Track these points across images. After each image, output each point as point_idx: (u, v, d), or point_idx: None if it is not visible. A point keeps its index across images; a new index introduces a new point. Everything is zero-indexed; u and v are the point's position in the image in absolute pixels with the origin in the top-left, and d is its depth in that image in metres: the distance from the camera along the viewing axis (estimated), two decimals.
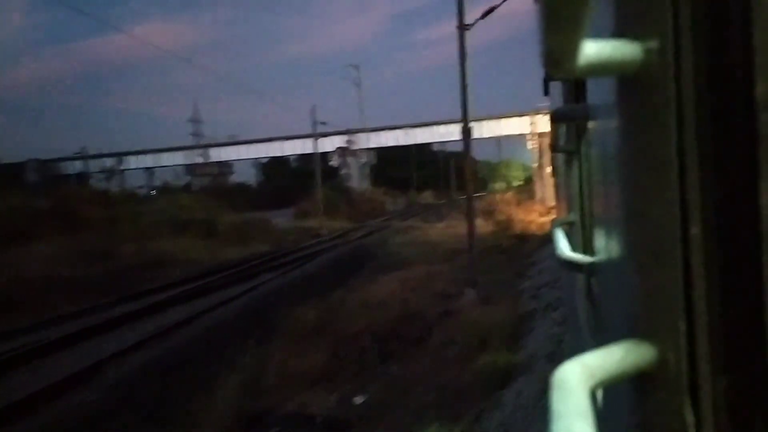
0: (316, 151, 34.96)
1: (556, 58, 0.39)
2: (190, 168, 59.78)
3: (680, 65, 0.40)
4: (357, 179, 52.81)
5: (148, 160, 57.50)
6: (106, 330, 11.20)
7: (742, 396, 0.39)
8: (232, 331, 10.78)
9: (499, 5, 11.81)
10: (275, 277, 16.96)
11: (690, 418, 0.40)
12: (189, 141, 63.40)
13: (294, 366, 8.78)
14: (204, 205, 32.14)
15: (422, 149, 65.02)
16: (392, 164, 63.30)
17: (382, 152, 57.39)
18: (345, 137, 51.56)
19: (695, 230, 0.40)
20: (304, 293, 13.69)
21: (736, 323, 0.39)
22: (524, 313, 9.48)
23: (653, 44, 0.41)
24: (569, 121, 1.72)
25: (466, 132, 12.75)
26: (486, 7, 12.20)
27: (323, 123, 33.84)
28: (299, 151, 54.61)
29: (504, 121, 48.01)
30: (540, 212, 28.89)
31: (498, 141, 57.47)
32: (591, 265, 1.15)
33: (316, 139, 34.26)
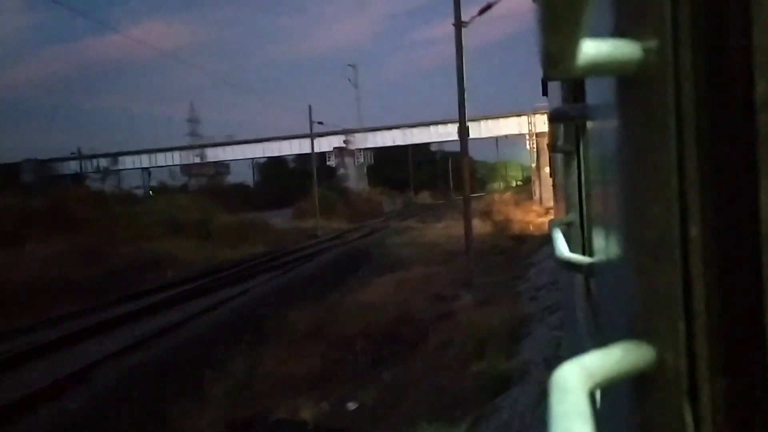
0: (312, 151, 34.94)
1: (555, 57, 0.39)
2: (187, 168, 59.71)
3: (679, 65, 0.40)
4: (354, 179, 52.81)
5: (144, 160, 57.44)
6: (94, 333, 11.05)
7: (741, 396, 0.39)
8: (223, 335, 10.69)
9: (496, 2, 11.83)
10: (270, 279, 16.90)
11: (689, 418, 0.40)
12: (186, 141, 63.36)
13: (286, 371, 8.67)
14: (200, 206, 32.06)
15: (420, 149, 65.08)
16: (390, 164, 63.33)
17: (380, 152, 57.44)
18: (342, 137, 51.56)
19: (694, 231, 0.40)
20: (298, 295, 13.65)
21: (736, 324, 0.39)
22: (522, 315, 9.40)
23: (652, 44, 0.41)
24: (568, 121, 1.72)
25: (463, 130, 12.74)
26: (484, 6, 12.24)
27: (320, 123, 33.87)
28: (296, 151, 54.63)
29: (502, 120, 48.08)
30: (538, 213, 28.94)
31: (496, 141, 57.48)
32: (590, 265, 1.15)
33: (313, 139, 34.26)
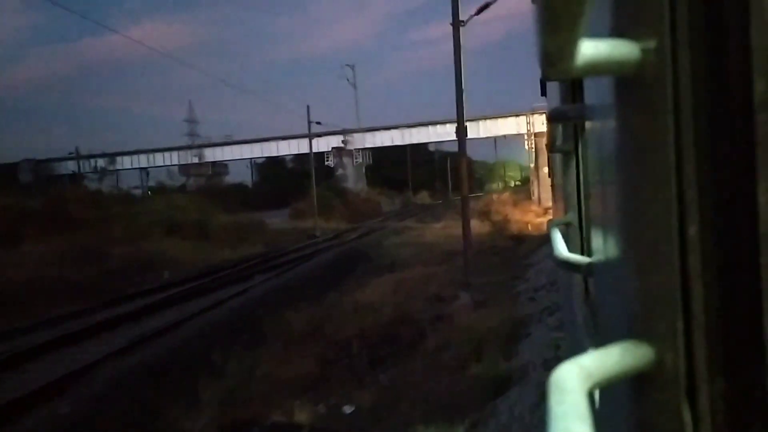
0: (311, 151, 34.92)
1: (554, 58, 0.39)
2: (185, 168, 59.65)
3: (678, 65, 0.40)
4: (353, 179, 52.78)
5: (142, 160, 57.38)
6: (87, 335, 10.92)
7: (740, 396, 0.39)
8: (219, 337, 10.58)
9: (493, 2, 11.84)
10: (267, 279, 16.80)
11: (687, 418, 0.40)
12: (185, 141, 63.32)
13: (282, 373, 8.59)
14: (198, 206, 31.95)
15: (419, 149, 65.06)
16: (388, 164, 63.31)
17: (379, 152, 57.40)
18: (341, 137, 51.55)
19: (693, 231, 0.40)
20: (296, 296, 13.55)
21: (734, 324, 0.39)
22: (521, 316, 9.35)
23: (651, 44, 0.41)
24: (566, 122, 1.72)
25: (461, 130, 12.74)
26: (481, 5, 12.25)
27: (318, 123, 33.81)
28: (295, 152, 54.61)
29: (501, 121, 48.07)
30: (537, 213, 28.97)
31: (495, 141, 57.49)
32: (588, 265, 1.15)
33: (311, 139, 34.24)
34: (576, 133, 1.75)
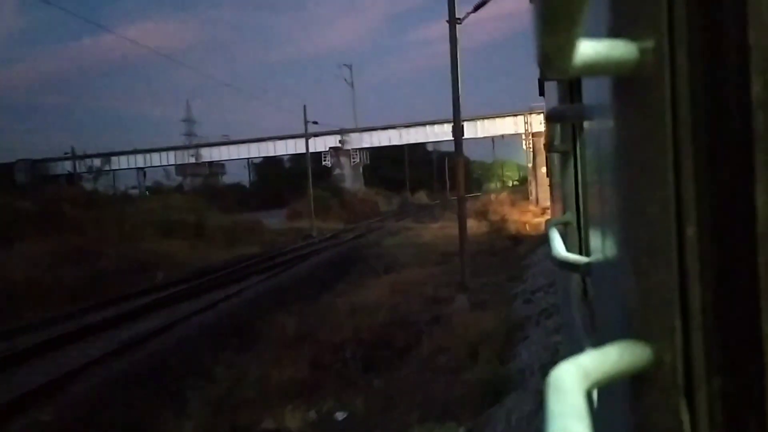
0: (307, 151, 34.88)
1: (552, 57, 0.39)
2: (182, 168, 59.54)
3: (676, 65, 0.40)
4: (350, 179, 52.75)
5: (139, 160, 57.26)
6: (76, 339, 10.75)
7: (738, 396, 0.39)
8: (210, 340, 10.44)
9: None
10: (262, 281, 16.68)
11: (686, 417, 0.40)
12: (182, 141, 63.26)
13: (273, 378, 8.45)
14: (195, 206, 31.84)
15: (416, 149, 65.05)
16: (386, 164, 63.31)
17: (376, 152, 57.38)
18: (338, 137, 51.52)
19: (691, 230, 0.40)
20: (290, 298, 13.45)
21: (732, 323, 0.39)
22: (518, 319, 9.28)
23: (649, 44, 0.41)
24: (564, 121, 1.72)
25: (457, 128, 12.73)
26: (478, 2, 12.25)
27: (315, 122, 33.79)
28: (292, 151, 54.53)
29: (499, 120, 48.08)
30: (534, 213, 29.01)
31: (492, 141, 57.51)
32: (586, 265, 1.15)
33: (308, 139, 34.20)
34: (574, 133, 1.76)
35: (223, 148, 57.66)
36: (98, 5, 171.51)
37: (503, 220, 24.13)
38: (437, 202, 57.51)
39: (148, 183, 59.25)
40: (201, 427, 7.23)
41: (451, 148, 13.47)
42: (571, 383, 0.39)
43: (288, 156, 61.37)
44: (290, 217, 39.01)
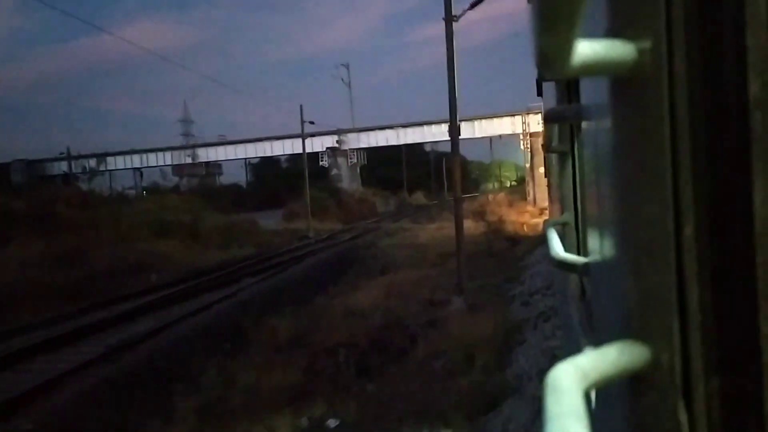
0: (304, 152, 34.83)
1: (550, 58, 0.39)
2: (179, 168, 59.43)
3: (673, 65, 0.40)
4: (347, 180, 52.70)
5: (136, 161, 57.13)
6: (63, 343, 10.50)
7: (736, 396, 0.39)
8: (201, 344, 10.27)
9: None
10: (256, 282, 16.51)
11: (684, 417, 0.40)
12: (179, 141, 63.16)
13: (264, 383, 8.32)
14: (191, 207, 31.68)
15: (414, 149, 65.02)
16: (383, 165, 63.24)
17: (373, 152, 57.35)
18: (335, 137, 51.48)
19: (689, 230, 0.40)
20: (284, 300, 13.30)
21: (730, 323, 0.39)
22: (515, 322, 9.20)
23: (646, 44, 0.41)
24: (562, 122, 1.72)
25: (453, 128, 12.71)
26: (480, 6, 12.25)
27: (311, 122, 33.72)
28: (289, 152, 54.41)
29: (496, 120, 48.09)
30: (532, 213, 29.02)
31: (490, 141, 57.55)
32: (584, 265, 1.15)
33: (304, 139, 34.14)
34: (572, 133, 1.76)
35: (220, 148, 57.57)
36: (96, 5, 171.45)
37: (501, 220, 24.16)
38: (435, 202, 57.47)
39: (145, 183, 59.13)
40: None
41: (449, 148, 13.43)
42: (570, 383, 0.39)
43: (285, 156, 61.27)
44: (287, 217, 38.93)
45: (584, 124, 1.13)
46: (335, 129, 50.46)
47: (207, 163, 59.60)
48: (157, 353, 9.81)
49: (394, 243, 24.05)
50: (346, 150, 52.64)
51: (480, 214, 25.71)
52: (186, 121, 72.76)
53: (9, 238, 19.85)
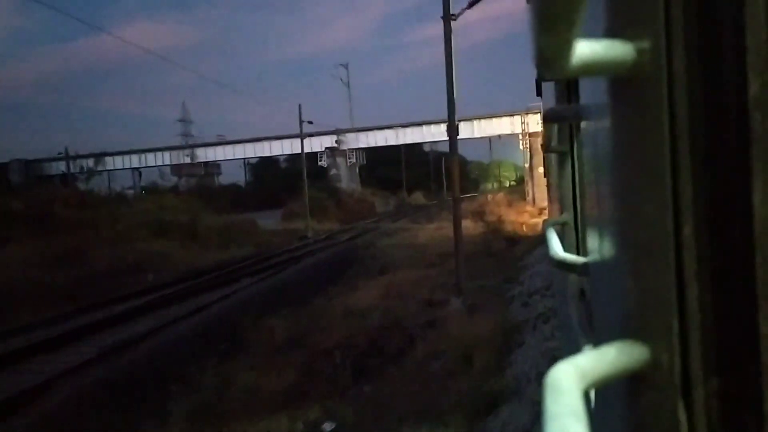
0: (302, 152, 34.81)
1: (549, 58, 0.39)
2: (177, 168, 59.37)
3: (673, 65, 0.40)
4: (346, 180, 52.69)
5: (134, 161, 57.06)
6: (59, 344, 10.45)
7: (735, 396, 0.39)
8: (197, 345, 10.21)
9: None
10: (254, 282, 16.47)
11: (683, 418, 0.40)
12: (178, 141, 63.11)
13: (260, 385, 8.27)
14: (189, 207, 31.64)
15: (413, 149, 65.03)
16: (382, 165, 63.24)
17: (372, 152, 57.34)
18: (334, 137, 51.46)
19: (688, 230, 0.40)
20: (282, 300, 13.27)
21: (729, 323, 0.39)
22: (514, 323, 9.15)
23: (646, 44, 0.41)
24: (562, 122, 1.72)
25: (452, 128, 12.70)
26: (479, 6, 12.24)
27: (310, 122, 33.70)
28: (288, 152, 54.39)
29: (495, 120, 48.10)
30: (531, 213, 29.02)
31: (489, 141, 57.55)
32: (584, 265, 1.15)
33: (303, 139, 34.13)
34: (571, 133, 1.76)
35: (219, 148, 57.52)
36: (95, 6, 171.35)
37: (500, 220, 24.14)
38: (434, 202, 57.48)
39: (144, 183, 59.07)
40: None
41: (448, 148, 13.43)
42: (569, 383, 0.39)
43: (284, 156, 61.26)
44: (286, 217, 38.92)
45: (583, 124, 1.14)
46: (334, 129, 50.45)
47: (206, 163, 59.57)
48: (152, 355, 9.77)
49: (393, 243, 24.04)
50: (345, 150, 52.63)
51: (479, 214, 25.70)
52: (185, 121, 72.76)
53: (7, 238, 19.81)
